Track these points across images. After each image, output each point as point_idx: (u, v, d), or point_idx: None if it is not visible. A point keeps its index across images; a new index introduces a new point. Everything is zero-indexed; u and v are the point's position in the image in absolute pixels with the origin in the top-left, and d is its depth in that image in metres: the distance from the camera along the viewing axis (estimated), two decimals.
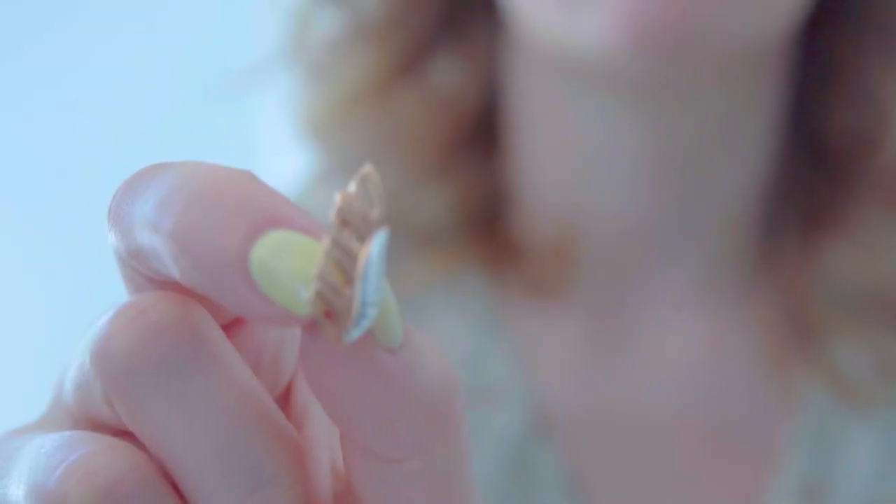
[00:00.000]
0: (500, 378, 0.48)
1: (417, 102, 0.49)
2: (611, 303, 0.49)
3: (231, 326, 0.23)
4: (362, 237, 0.19)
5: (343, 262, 0.19)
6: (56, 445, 0.21)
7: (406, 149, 0.50)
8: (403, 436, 0.20)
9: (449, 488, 0.22)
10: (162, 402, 0.20)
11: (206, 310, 0.21)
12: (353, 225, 0.19)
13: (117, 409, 0.21)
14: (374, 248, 0.19)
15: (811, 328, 0.49)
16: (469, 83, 0.50)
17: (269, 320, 0.19)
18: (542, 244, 0.50)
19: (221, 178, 0.20)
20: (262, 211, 0.19)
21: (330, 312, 0.19)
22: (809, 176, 0.49)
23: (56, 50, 0.94)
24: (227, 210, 0.19)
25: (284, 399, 0.24)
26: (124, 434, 0.21)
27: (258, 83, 0.53)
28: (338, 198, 0.19)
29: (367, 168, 0.20)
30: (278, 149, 0.58)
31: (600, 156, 0.48)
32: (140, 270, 0.21)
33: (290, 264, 0.19)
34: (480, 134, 0.51)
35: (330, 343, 0.19)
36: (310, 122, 0.50)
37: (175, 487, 0.21)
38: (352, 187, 0.19)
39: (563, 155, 0.49)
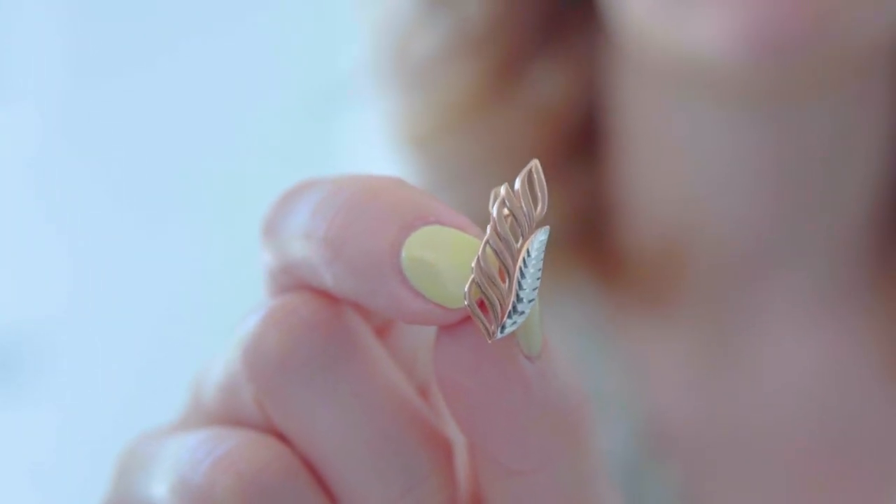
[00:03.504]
0: (610, 392, 0.47)
1: (519, 112, 0.49)
2: (725, 314, 0.48)
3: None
4: (523, 233, 0.19)
5: (502, 255, 0.19)
6: (200, 441, 0.21)
7: (509, 159, 0.49)
8: (531, 446, 0.20)
9: (577, 502, 0.21)
10: (314, 399, 0.20)
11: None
12: (515, 219, 0.19)
13: (268, 409, 0.21)
14: (534, 244, 0.19)
15: None
16: (570, 91, 0.49)
17: (421, 317, 0.19)
18: (651, 254, 0.49)
19: (372, 184, 0.20)
20: (412, 210, 0.19)
21: (483, 304, 0.19)
22: None
23: (163, 67, 0.96)
24: (378, 211, 0.19)
25: None
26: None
27: (353, 97, 0.53)
28: (502, 190, 0.19)
29: (534, 163, 0.19)
30: (372, 162, 0.58)
31: (712, 165, 0.46)
32: (291, 286, 0.21)
33: (442, 257, 0.19)
34: (583, 143, 0.50)
35: (479, 336, 0.19)
36: (412, 134, 0.50)
37: (321, 485, 0.21)
38: (517, 182, 0.19)
39: (672, 164, 0.48)
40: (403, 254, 0.19)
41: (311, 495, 0.20)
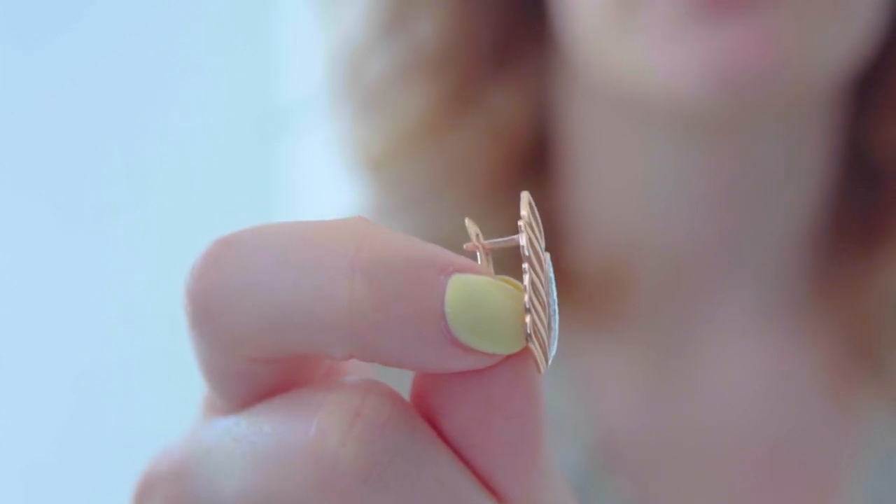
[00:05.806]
0: (561, 410, 0.48)
1: (473, 133, 0.49)
2: (672, 330, 0.49)
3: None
4: (540, 260, 0.20)
5: (540, 287, 0.19)
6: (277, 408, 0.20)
7: (461, 180, 0.50)
8: (529, 461, 0.21)
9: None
10: (401, 498, 0.19)
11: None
12: (535, 252, 0.20)
13: None
14: (550, 269, 0.19)
15: (871, 349, 0.49)
16: (523, 113, 0.50)
17: (468, 367, 0.19)
18: (599, 273, 0.49)
19: (363, 233, 0.18)
20: (438, 264, 0.18)
21: (537, 337, 0.19)
22: (865, 197, 0.49)
23: (119, 84, 0.95)
24: (406, 269, 0.18)
25: None
26: None
27: (297, 123, 0.53)
28: (524, 227, 0.19)
29: (526, 194, 0.20)
30: (323, 185, 0.58)
31: (659, 185, 0.48)
32: (243, 354, 0.20)
33: (489, 305, 0.18)
34: (535, 163, 0.50)
35: (536, 366, 0.19)
36: (367, 157, 0.50)
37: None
38: (524, 212, 0.20)
39: (620, 183, 0.49)
40: (447, 310, 0.18)
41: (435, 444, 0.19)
